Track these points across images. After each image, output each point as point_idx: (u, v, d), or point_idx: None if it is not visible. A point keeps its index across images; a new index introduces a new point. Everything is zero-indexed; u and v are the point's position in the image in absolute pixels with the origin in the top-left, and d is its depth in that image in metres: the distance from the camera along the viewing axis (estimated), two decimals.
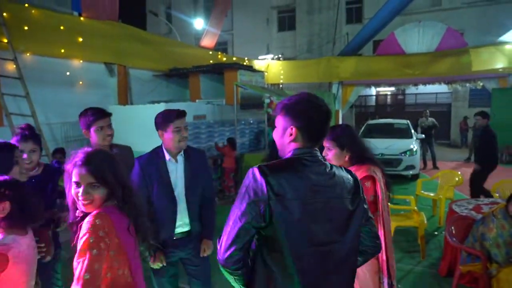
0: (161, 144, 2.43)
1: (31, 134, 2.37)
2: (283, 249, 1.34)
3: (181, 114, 2.40)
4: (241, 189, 1.39)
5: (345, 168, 1.56)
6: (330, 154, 2.22)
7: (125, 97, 8.41)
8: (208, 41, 12.21)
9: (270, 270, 1.38)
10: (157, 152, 2.42)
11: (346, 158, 2.24)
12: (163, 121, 2.37)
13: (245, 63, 11.42)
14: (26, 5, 6.57)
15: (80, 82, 7.54)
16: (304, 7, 20.41)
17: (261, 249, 1.40)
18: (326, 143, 2.22)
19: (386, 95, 19.64)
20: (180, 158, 2.43)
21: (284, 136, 1.48)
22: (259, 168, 1.37)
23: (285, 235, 1.33)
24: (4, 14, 5.86)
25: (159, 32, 21.18)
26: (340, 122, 13.26)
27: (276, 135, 1.54)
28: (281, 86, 13.79)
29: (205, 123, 7.39)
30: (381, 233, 2.14)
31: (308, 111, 1.44)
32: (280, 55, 16.31)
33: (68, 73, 7.27)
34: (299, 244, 1.35)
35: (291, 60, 15.21)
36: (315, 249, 1.36)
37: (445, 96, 17.47)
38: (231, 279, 1.44)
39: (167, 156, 2.39)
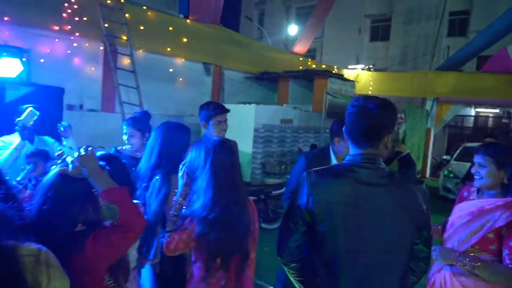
0: None
1: (132, 120, 2.79)
2: (327, 251, 1.38)
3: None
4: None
5: (415, 180, 1.53)
6: (482, 172, 1.94)
7: (218, 96, 8.89)
8: (300, 48, 12.33)
9: (317, 270, 1.43)
10: None
11: (504, 180, 1.92)
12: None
13: (334, 71, 11.29)
14: (144, 7, 7.33)
15: (180, 79, 8.16)
16: (401, 17, 19.47)
17: (311, 249, 1.46)
18: (478, 158, 1.98)
19: (487, 116, 17.77)
20: None
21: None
22: (308, 172, 1.44)
23: (327, 237, 1.38)
24: (126, 14, 6.60)
25: (251, 36, 21.95)
26: (431, 142, 12.36)
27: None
28: (357, 96, 13.31)
29: (291, 128, 7.47)
30: None
31: (350, 114, 1.45)
32: (371, 66, 15.77)
33: (171, 70, 7.92)
34: (341, 246, 1.36)
35: (382, 72, 14.61)
36: (358, 254, 1.36)
37: None
38: (287, 271, 1.54)
39: None
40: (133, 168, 2.33)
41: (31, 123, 2.84)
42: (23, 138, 2.83)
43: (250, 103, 8.06)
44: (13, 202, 1.04)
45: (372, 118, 1.39)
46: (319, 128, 7.83)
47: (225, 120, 2.74)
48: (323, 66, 12.24)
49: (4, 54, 3.46)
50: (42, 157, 2.61)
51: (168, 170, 2.13)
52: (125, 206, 1.41)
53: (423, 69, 12.85)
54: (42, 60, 5.58)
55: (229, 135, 4.58)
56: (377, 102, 1.42)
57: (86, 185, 1.42)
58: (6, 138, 2.94)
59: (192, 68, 8.44)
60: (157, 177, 2.13)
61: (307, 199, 1.40)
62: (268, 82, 10.23)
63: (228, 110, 2.77)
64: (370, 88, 13.02)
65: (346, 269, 1.37)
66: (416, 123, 10.32)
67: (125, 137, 2.81)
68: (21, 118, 2.83)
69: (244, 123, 6.87)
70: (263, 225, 5.37)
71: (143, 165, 2.25)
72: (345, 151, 2.12)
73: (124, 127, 2.82)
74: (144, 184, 2.18)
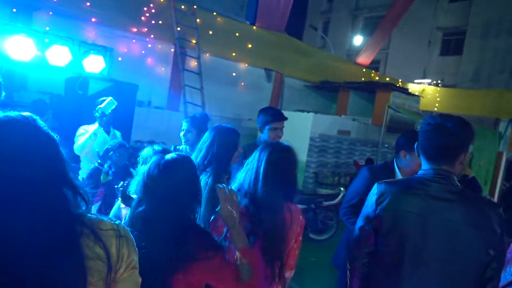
0: None
1: (191, 119, 2.99)
2: (391, 259, 1.41)
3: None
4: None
5: (492, 202, 1.53)
6: None
7: (277, 102, 9.01)
8: (364, 59, 12.06)
9: (378, 277, 1.47)
10: None
11: None
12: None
13: (398, 85, 10.88)
14: (214, 13, 7.68)
15: (242, 83, 8.40)
16: (478, 30, 18.19)
17: (376, 255, 1.50)
18: None
19: None
20: None
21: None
22: (378, 182, 1.51)
23: (392, 245, 1.41)
24: (198, 19, 6.97)
25: (314, 45, 21.89)
26: (502, 167, 11.37)
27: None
28: (434, 114, 12.64)
29: (348, 140, 7.35)
30: None
31: (426, 132, 1.46)
32: (439, 81, 14.95)
33: (234, 74, 8.19)
34: (405, 255, 1.39)
35: (451, 88, 13.79)
36: (420, 265, 1.38)
37: None
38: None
39: None
40: None
41: (109, 111, 3.12)
42: (100, 124, 3.14)
43: (308, 111, 8.07)
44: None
45: (450, 136, 1.42)
46: (377, 142, 7.60)
47: (282, 128, 2.81)
48: (387, 79, 11.85)
49: (92, 52, 3.85)
50: (125, 150, 2.91)
51: (217, 172, 2.22)
52: (255, 268, 1.47)
53: (499, 88, 11.91)
54: (120, 59, 6.09)
55: (286, 141, 4.64)
56: (455, 120, 1.44)
57: None
58: (87, 127, 3.28)
59: (254, 73, 8.65)
60: (206, 179, 2.20)
61: (376, 206, 1.47)
62: (328, 91, 10.14)
63: (285, 118, 2.84)
64: (437, 104, 12.34)
65: (407, 278, 1.40)
66: (486, 145, 9.56)
67: (181, 133, 2.97)
68: (101, 105, 3.13)
69: (300, 131, 6.90)
70: (311, 235, 5.33)
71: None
72: (412, 166, 2.10)
73: (184, 123, 3.00)
74: None
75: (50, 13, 5.34)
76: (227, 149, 2.29)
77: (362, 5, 22.57)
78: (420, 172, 1.49)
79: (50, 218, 0.90)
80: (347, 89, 9.45)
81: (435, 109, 12.39)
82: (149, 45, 6.66)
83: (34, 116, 0.96)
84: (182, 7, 6.87)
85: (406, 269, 1.40)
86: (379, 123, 7.64)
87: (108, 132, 3.38)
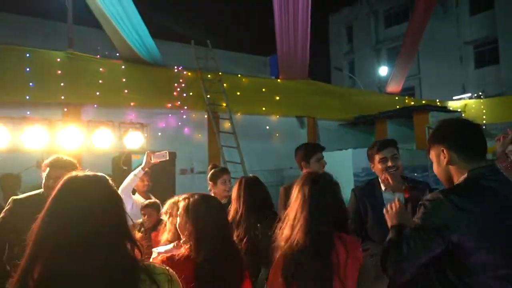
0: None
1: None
2: (469, 271, 1.31)
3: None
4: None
5: None
6: None
7: None
8: (393, 87, 12.00)
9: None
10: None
11: None
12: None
13: (436, 105, 10.59)
14: (239, 75, 8.19)
15: (277, 134, 8.60)
16: (510, 35, 17.58)
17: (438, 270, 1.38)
18: None
19: None
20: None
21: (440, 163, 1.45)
22: (444, 195, 1.36)
23: (468, 255, 1.30)
24: (224, 84, 7.45)
25: (342, 84, 22.16)
26: None
27: (435, 168, 1.51)
28: (483, 127, 11.96)
29: None
30: None
31: (457, 129, 1.43)
32: (480, 93, 14.33)
33: (267, 127, 8.44)
34: (479, 266, 1.29)
35: (495, 97, 13.14)
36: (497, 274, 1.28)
37: None
38: None
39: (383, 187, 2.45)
40: None
41: (158, 161, 3.11)
42: (144, 166, 3.10)
43: (346, 149, 7.99)
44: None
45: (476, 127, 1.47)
46: (425, 166, 7.27)
47: (323, 158, 2.93)
48: (423, 102, 11.58)
49: (130, 129, 4.27)
50: (155, 208, 3.03)
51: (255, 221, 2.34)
52: None
53: None
54: (159, 134, 6.57)
55: None
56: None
57: None
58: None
59: (287, 123, 8.85)
60: None
61: (449, 222, 1.34)
62: (364, 126, 10.05)
63: (324, 148, 3.02)
64: (484, 116, 11.73)
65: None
66: None
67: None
68: (155, 153, 3.17)
69: (342, 170, 6.78)
70: None
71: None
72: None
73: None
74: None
75: (95, 105, 5.99)
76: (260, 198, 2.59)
77: (382, 38, 22.91)
78: (473, 172, 1.38)
79: (117, 263, 1.05)
80: (383, 120, 9.33)
81: (484, 121, 11.75)
82: (184, 116, 7.16)
83: (106, 176, 1.17)
84: (209, 76, 7.42)
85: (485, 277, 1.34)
86: (423, 147, 7.37)
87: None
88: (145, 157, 3.11)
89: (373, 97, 11.24)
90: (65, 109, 5.71)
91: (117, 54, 7.00)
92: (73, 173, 1.12)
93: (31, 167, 4.49)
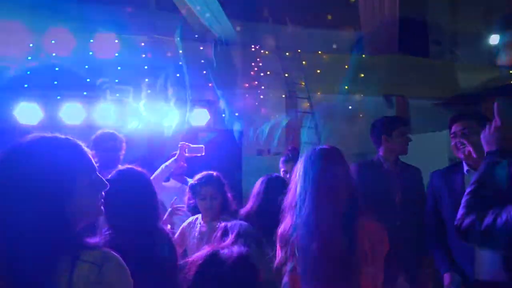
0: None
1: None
2: None
3: None
4: None
5: None
6: None
7: None
8: (506, 59, 10.28)
9: None
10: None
11: None
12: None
13: None
14: (319, 52, 7.77)
15: (360, 115, 8.02)
16: None
17: None
18: None
19: None
20: None
21: None
22: None
23: None
24: (303, 62, 7.16)
25: (443, 59, 19.90)
26: None
27: None
28: None
29: None
30: None
31: None
32: None
33: (350, 107, 7.91)
34: None
35: None
36: None
37: None
38: None
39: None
40: None
41: (191, 154, 3.02)
42: (177, 159, 3.01)
43: (441, 131, 7.12)
44: None
45: None
46: None
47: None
48: None
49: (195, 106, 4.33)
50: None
51: None
52: None
53: None
54: (236, 114, 6.59)
55: (420, 167, 4.17)
56: None
57: None
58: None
59: (372, 102, 8.20)
60: None
61: None
62: (464, 106, 8.83)
63: (408, 122, 2.73)
64: None
65: None
66: None
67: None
68: (191, 146, 3.06)
69: (436, 153, 6.17)
70: None
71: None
72: None
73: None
74: None
75: None
76: None
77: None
78: None
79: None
80: (489, 99, 8.05)
81: None
82: (261, 96, 7.06)
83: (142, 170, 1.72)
84: (287, 53, 7.17)
85: None
86: None
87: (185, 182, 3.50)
88: (178, 149, 3.00)
89: (477, 73, 9.79)
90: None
91: (196, 36, 7.14)
92: None
93: None
